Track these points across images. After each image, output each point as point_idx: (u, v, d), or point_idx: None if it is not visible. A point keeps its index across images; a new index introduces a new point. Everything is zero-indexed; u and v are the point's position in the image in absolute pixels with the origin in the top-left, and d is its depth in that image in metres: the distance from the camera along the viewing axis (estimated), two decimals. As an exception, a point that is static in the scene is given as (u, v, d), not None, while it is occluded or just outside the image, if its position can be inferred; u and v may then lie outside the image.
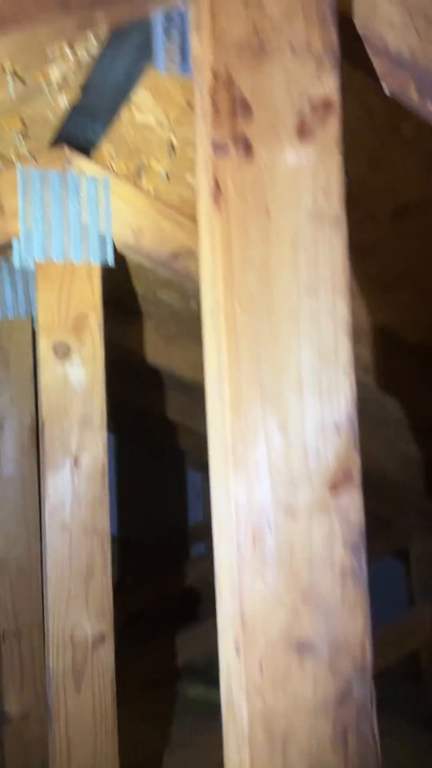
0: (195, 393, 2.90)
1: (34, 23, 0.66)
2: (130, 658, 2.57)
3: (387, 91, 0.87)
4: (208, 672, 2.97)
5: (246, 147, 0.70)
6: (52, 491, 1.42)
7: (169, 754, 2.28)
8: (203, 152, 0.72)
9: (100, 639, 1.45)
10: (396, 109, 0.92)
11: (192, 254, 1.67)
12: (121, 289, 2.21)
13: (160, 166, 1.48)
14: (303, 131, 0.72)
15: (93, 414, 1.48)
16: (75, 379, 1.48)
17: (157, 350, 2.50)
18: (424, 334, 1.87)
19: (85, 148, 1.54)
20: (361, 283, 1.71)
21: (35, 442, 2.13)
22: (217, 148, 0.70)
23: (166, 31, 0.77)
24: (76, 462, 1.45)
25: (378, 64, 0.83)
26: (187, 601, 3.63)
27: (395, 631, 2.97)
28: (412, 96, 0.86)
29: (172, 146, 1.38)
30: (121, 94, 1.34)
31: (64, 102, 1.29)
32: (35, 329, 2.18)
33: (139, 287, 2.25)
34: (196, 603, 3.65)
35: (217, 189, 0.70)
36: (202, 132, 0.72)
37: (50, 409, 1.46)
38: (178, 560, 3.91)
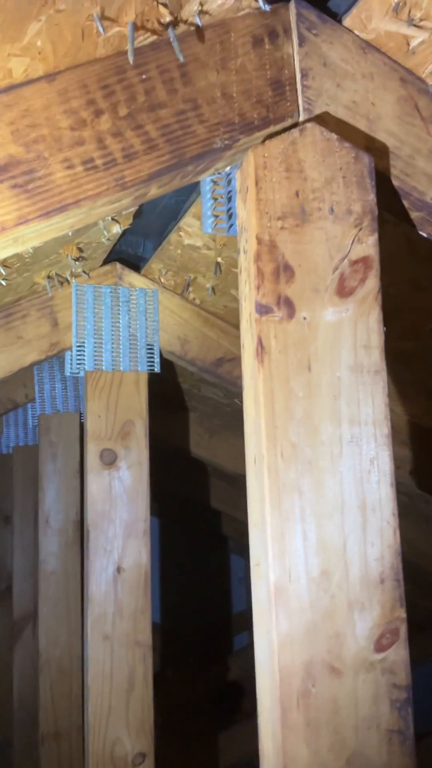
0: (238, 483, 2.90)
1: (93, 202, 0.72)
2: (171, 761, 2.48)
3: (425, 235, 0.91)
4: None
5: (288, 307, 0.74)
6: (96, 601, 1.43)
7: None
8: (248, 312, 0.75)
9: (141, 757, 1.42)
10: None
11: (235, 360, 1.72)
12: (166, 384, 2.27)
13: (206, 282, 1.55)
14: (342, 289, 0.76)
15: (137, 521, 1.49)
16: (120, 486, 1.51)
17: (200, 443, 2.53)
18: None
19: (136, 264, 1.63)
20: (406, 389, 1.72)
21: (80, 537, 2.15)
22: (262, 309, 0.73)
23: (213, 194, 0.83)
24: (119, 570, 1.45)
25: (415, 216, 0.87)
26: (230, 696, 3.50)
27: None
28: (449, 242, 0.89)
29: (219, 266, 1.45)
30: (171, 218, 1.42)
31: (117, 228, 1.38)
32: (83, 423, 2.25)
33: (184, 383, 2.30)
34: (240, 698, 3.51)
35: (261, 347, 0.73)
36: (247, 293, 0.76)
37: (95, 516, 1.48)
38: (221, 652, 3.80)
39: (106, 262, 1.59)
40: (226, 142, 0.77)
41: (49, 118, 0.71)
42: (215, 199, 0.82)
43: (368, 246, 0.77)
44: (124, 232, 1.45)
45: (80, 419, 2.29)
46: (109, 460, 1.52)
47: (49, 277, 1.48)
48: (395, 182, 0.84)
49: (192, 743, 2.98)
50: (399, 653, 0.69)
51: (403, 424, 1.88)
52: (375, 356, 0.75)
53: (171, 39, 0.74)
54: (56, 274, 1.50)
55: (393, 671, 0.69)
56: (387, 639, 0.69)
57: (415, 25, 0.82)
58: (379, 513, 0.72)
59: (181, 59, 0.75)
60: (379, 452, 0.73)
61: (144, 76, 0.75)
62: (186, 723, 3.22)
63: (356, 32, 0.85)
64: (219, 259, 1.43)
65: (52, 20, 0.66)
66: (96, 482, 1.50)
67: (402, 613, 0.70)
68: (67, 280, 1.55)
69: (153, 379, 1.65)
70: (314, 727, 0.66)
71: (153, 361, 1.60)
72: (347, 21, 0.84)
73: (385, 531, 0.72)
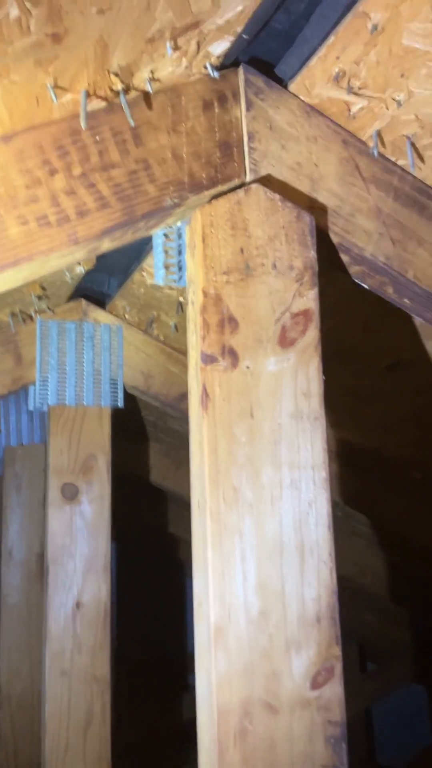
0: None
1: (46, 256, 0.76)
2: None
3: (366, 286, 0.96)
4: None
5: (232, 356, 0.78)
6: (54, 636, 1.43)
7: None
8: (194, 361, 0.79)
9: (96, 795, 1.41)
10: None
11: (199, 395, 1.75)
12: (132, 416, 2.29)
13: (169, 320, 1.59)
14: (284, 340, 0.80)
15: (97, 556, 1.50)
16: (81, 521, 1.52)
17: (167, 474, 2.55)
18: (426, 469, 1.90)
19: (101, 300, 1.67)
20: (364, 422, 1.77)
21: (42, 570, 2.14)
22: (207, 358, 0.77)
23: (164, 247, 0.87)
24: (78, 606, 1.46)
25: (356, 269, 0.92)
26: (186, 734, 3.46)
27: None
28: (389, 293, 0.95)
29: (181, 305, 1.49)
30: (135, 258, 1.46)
31: (80, 269, 1.42)
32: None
33: (150, 416, 2.32)
34: (195, 737, 3.47)
35: (206, 395, 0.77)
36: (193, 343, 0.80)
37: (56, 551, 1.49)
38: (176, 687, 3.76)
39: (71, 298, 1.63)
40: (176, 200, 0.82)
41: (4, 177, 0.75)
42: (166, 252, 0.86)
43: (309, 299, 0.82)
44: (88, 271, 1.49)
45: (46, 451, 2.29)
46: (71, 494, 1.54)
47: (13, 314, 1.51)
48: (337, 239, 0.89)
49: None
50: (334, 690, 0.72)
51: (362, 455, 1.92)
52: (314, 404, 0.80)
53: (123, 105, 0.78)
54: (20, 311, 1.53)
55: (328, 708, 0.72)
56: (322, 676, 0.72)
57: (354, 93, 0.88)
58: (317, 554, 0.76)
59: (132, 124, 0.79)
60: (318, 495, 0.77)
61: (98, 138, 0.80)
62: (142, 760, 3.18)
63: (301, 97, 0.91)
64: (181, 299, 1.48)
65: (6, 90, 0.70)
66: (57, 517, 1.52)
67: (337, 651, 0.74)
68: (31, 317, 1.58)
69: (117, 411, 1.67)
70: (250, 764, 0.69)
71: (117, 396, 1.63)
72: (292, 87, 0.90)
73: (322, 572, 0.75)
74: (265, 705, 0.70)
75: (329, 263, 0.92)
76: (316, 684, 0.72)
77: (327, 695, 0.72)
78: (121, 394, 1.64)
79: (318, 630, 0.73)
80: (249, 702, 0.70)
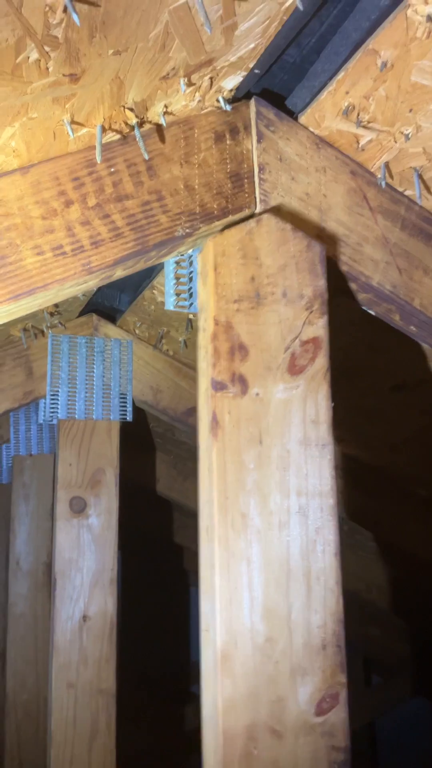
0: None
1: (61, 285, 0.78)
2: None
3: (373, 313, 0.98)
4: None
5: (242, 383, 0.80)
6: (61, 649, 1.45)
7: None
8: (204, 387, 0.81)
9: (101, 808, 1.43)
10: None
11: (207, 410, 1.77)
12: (140, 427, 2.31)
13: (179, 336, 1.61)
14: (293, 367, 0.82)
15: (104, 570, 1.52)
16: (88, 534, 1.54)
17: (173, 485, 2.56)
18: (432, 486, 1.91)
19: (112, 316, 1.69)
20: (370, 442, 1.78)
21: (50, 580, 2.16)
22: (217, 385, 0.79)
23: (175, 274, 0.89)
24: (85, 619, 1.48)
25: (363, 297, 0.94)
26: (190, 744, 3.46)
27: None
28: (396, 320, 0.96)
29: (190, 322, 1.51)
30: (146, 275, 1.48)
31: (92, 286, 1.43)
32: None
33: (158, 428, 2.34)
34: (199, 749, 3.47)
35: (215, 421, 0.78)
36: (204, 369, 0.81)
37: (63, 564, 1.51)
38: (180, 697, 3.76)
39: (82, 313, 1.65)
40: (188, 230, 0.84)
41: (21, 208, 0.77)
42: (177, 279, 0.88)
43: (318, 327, 0.83)
44: (100, 288, 1.51)
45: (55, 461, 2.31)
46: (79, 508, 1.56)
47: (25, 329, 1.53)
48: (344, 267, 0.90)
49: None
50: (339, 716, 0.74)
51: (368, 472, 1.93)
52: (323, 431, 0.81)
53: (137, 138, 0.80)
54: (32, 327, 1.55)
55: (332, 734, 0.73)
56: (327, 703, 0.74)
57: (363, 126, 0.90)
58: (324, 581, 0.77)
59: (146, 157, 0.81)
60: (325, 522, 0.79)
61: (112, 170, 0.82)
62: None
63: (311, 129, 0.93)
64: (190, 316, 1.50)
65: (25, 126, 0.72)
66: (64, 530, 1.54)
67: (342, 678, 0.75)
68: (42, 332, 1.60)
69: (125, 423, 1.69)
70: (256, 788, 0.70)
71: (126, 410, 1.65)
72: (303, 119, 0.92)
73: (329, 599, 0.77)
74: (270, 730, 0.72)
75: (337, 290, 0.94)
76: (320, 710, 0.73)
77: (332, 721, 0.73)
78: (130, 409, 1.65)
79: (323, 657, 0.75)
80: (254, 727, 0.71)
